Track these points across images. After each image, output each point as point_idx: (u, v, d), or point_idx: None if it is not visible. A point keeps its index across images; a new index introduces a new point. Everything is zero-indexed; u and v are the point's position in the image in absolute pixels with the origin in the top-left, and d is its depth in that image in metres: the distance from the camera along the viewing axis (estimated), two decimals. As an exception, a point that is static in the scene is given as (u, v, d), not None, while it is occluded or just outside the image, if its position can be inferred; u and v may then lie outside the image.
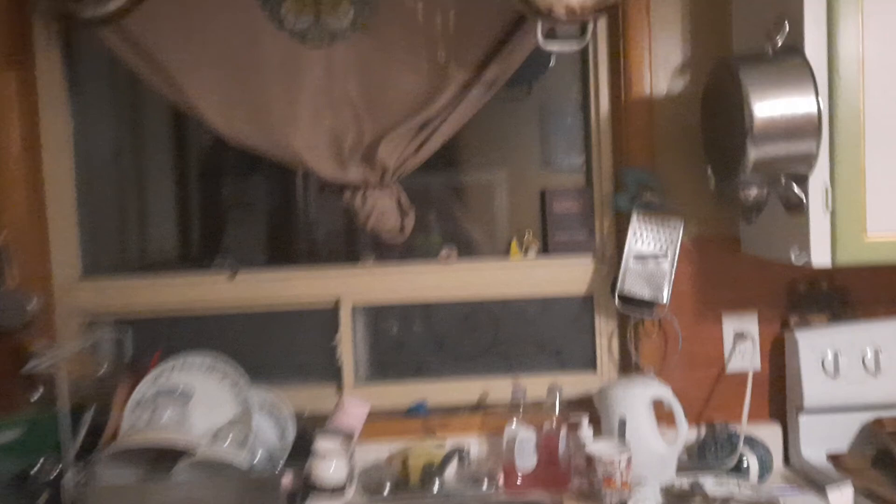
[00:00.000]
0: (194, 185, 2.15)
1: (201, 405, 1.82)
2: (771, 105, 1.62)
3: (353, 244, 2.14)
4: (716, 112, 1.81)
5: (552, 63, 2.13)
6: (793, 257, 1.70)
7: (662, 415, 1.89)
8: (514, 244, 2.13)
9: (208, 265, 2.08)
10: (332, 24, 1.94)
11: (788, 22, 1.66)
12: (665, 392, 1.89)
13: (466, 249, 2.13)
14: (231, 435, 1.77)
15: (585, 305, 2.12)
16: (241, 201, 2.14)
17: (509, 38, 1.91)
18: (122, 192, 2.14)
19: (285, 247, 2.15)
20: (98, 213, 2.10)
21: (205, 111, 1.89)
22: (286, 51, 1.91)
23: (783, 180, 1.69)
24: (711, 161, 1.88)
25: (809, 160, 1.64)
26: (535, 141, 2.17)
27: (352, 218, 1.99)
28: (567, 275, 2.10)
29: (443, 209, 2.15)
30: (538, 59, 2.03)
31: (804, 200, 1.66)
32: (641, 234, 2.00)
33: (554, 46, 1.77)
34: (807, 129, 1.62)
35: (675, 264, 1.97)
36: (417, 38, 1.94)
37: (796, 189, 1.67)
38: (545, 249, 2.12)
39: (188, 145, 2.15)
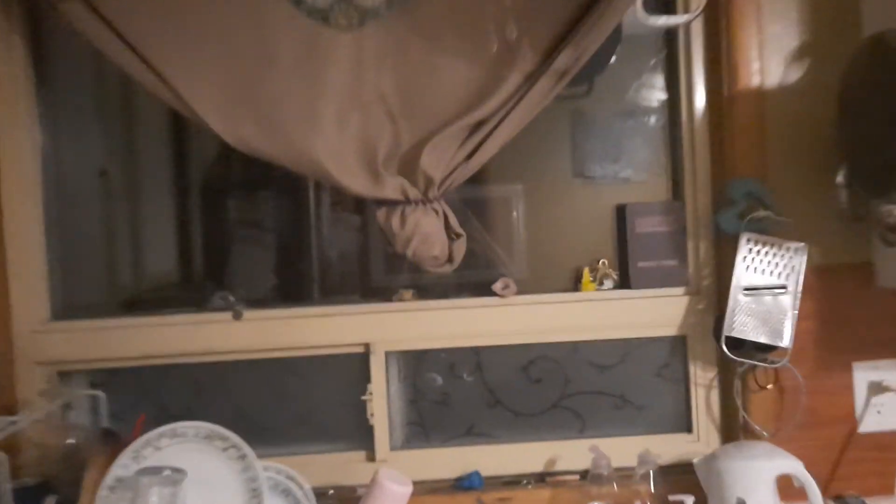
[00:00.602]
0: (190, 208, 1.82)
1: (197, 487, 1.45)
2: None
3: (386, 275, 1.81)
4: (862, 106, 1.42)
5: (614, 59, 1.78)
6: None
7: (784, 488, 1.52)
8: (586, 273, 1.76)
9: (207, 303, 1.76)
10: (362, 1, 1.56)
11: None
12: (795, 466, 1.49)
13: (520, 280, 1.78)
14: (236, 529, 1.38)
15: (676, 350, 1.78)
16: (248, 225, 1.82)
17: (586, 16, 1.53)
18: (101, 215, 1.81)
19: (302, 280, 1.83)
20: (71, 241, 1.78)
21: (201, 110, 1.52)
22: (304, 34, 1.54)
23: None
24: (853, 170, 1.48)
25: None
26: (602, 145, 1.81)
27: (385, 242, 1.65)
28: (653, 312, 1.74)
29: (483, 228, 1.81)
30: (600, 48, 1.62)
31: None
32: (753, 262, 1.62)
33: (659, 21, 1.36)
34: None
35: (799, 299, 1.58)
36: (469, 16, 1.56)
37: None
38: (624, 279, 1.76)
39: (182, 159, 1.82)
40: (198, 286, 1.80)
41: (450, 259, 1.62)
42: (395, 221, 1.58)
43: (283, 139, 1.53)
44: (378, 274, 1.81)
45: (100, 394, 1.66)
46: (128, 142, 1.81)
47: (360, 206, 1.74)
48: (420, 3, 1.56)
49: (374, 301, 1.76)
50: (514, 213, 1.80)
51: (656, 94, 1.80)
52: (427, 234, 1.57)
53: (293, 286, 1.83)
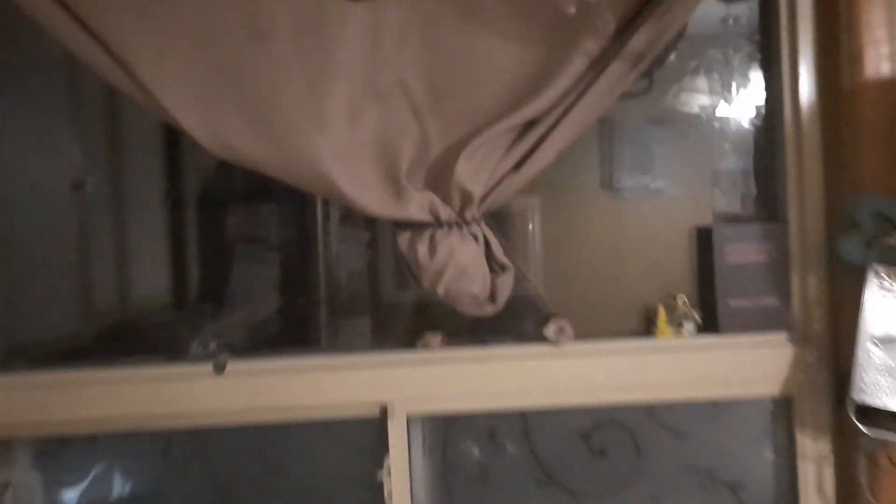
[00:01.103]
0: (164, 233, 1.64)
1: None
2: None
3: (407, 319, 1.57)
4: None
5: (674, 53, 1.56)
6: None
7: None
8: (661, 314, 1.46)
9: (183, 353, 1.51)
10: (381, -36, 1.30)
11: None
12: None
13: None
14: None
15: (779, 413, 1.50)
16: (237, 249, 1.61)
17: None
18: (52, 243, 1.62)
19: (300, 324, 1.61)
20: (15, 275, 1.58)
21: (170, 102, 1.23)
22: (305, 3, 1.27)
23: None
24: None
25: None
26: (672, 152, 1.57)
27: (408, 275, 1.38)
28: (749, 364, 1.44)
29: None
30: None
31: None
32: (888, 302, 1.28)
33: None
34: None
35: (951, 353, 1.26)
36: (519, -19, 1.30)
37: None
38: (709, 322, 1.47)
39: (157, 171, 1.63)
40: (171, 332, 1.55)
41: (492, 298, 1.33)
42: (423, 249, 1.30)
43: (276, 138, 1.26)
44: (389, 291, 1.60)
45: (34, 476, 1.39)
46: (103, 150, 1.64)
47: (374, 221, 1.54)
48: (454, -31, 1.29)
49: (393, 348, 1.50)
50: (530, 225, 1.59)
51: (726, 92, 1.56)
52: (464, 265, 1.29)
53: (293, 333, 1.60)
